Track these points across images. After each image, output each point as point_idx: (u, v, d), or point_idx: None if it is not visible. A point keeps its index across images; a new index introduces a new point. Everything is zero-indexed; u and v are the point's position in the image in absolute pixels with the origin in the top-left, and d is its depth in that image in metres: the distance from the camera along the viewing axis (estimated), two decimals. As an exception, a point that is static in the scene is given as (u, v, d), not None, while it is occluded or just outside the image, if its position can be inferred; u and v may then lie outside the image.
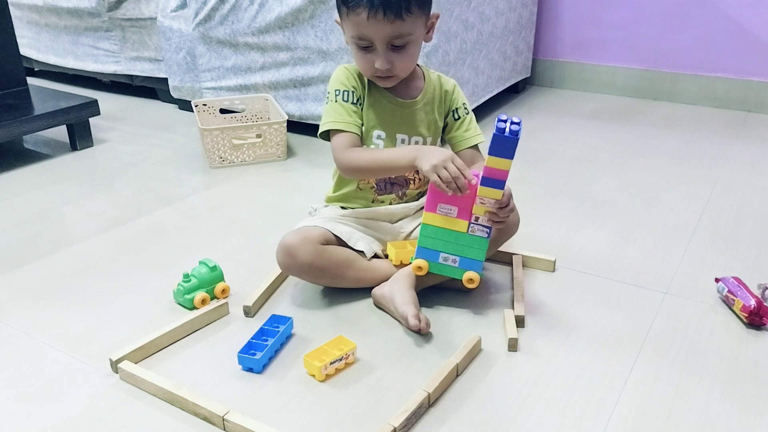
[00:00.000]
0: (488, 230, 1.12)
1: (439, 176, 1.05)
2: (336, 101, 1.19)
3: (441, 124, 1.27)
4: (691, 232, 1.48)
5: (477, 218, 1.11)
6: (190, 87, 2.31)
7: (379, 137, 1.22)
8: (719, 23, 2.36)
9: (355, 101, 1.20)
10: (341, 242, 1.21)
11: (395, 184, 1.27)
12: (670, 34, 2.45)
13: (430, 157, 1.08)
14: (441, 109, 1.26)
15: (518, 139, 1.01)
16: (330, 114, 1.19)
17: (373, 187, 1.27)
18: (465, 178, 1.06)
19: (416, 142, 1.24)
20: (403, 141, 1.23)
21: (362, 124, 1.21)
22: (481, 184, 1.07)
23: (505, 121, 1.02)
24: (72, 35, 2.65)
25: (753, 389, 0.99)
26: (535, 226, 1.49)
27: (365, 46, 1.12)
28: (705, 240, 1.45)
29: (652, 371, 1.03)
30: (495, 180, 1.06)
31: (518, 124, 1.01)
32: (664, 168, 1.87)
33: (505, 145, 1.02)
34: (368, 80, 1.21)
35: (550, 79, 2.75)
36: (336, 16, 1.17)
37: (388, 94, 1.22)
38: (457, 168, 1.06)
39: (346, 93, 1.19)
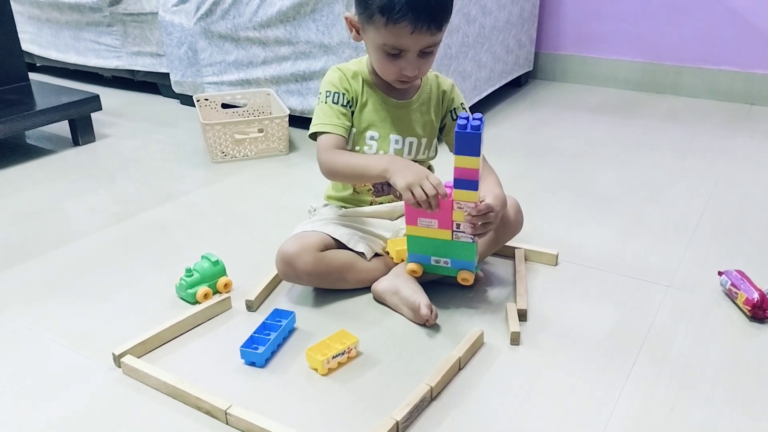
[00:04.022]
0: (473, 235, 1.11)
1: (413, 194, 1.04)
2: (326, 103, 1.19)
3: (437, 125, 1.26)
4: (694, 226, 1.48)
5: (458, 225, 1.10)
6: (191, 82, 2.31)
7: (372, 138, 1.21)
8: (722, 16, 2.35)
9: (345, 103, 1.19)
10: (341, 245, 1.20)
11: (392, 185, 1.26)
12: (673, 27, 2.44)
13: (404, 173, 1.06)
14: (438, 109, 1.25)
15: (480, 134, 1.00)
16: (318, 116, 1.19)
17: (371, 189, 1.27)
18: (439, 194, 1.04)
19: (410, 143, 1.23)
20: (397, 142, 1.22)
21: (352, 126, 1.20)
22: (454, 187, 1.05)
23: (466, 118, 1.01)
24: (73, 30, 2.65)
25: (756, 382, 0.99)
26: (537, 220, 1.49)
27: (395, 54, 1.10)
28: (708, 233, 1.45)
29: (655, 365, 1.03)
30: (467, 181, 1.04)
31: (479, 119, 1.01)
32: (667, 162, 1.86)
33: (468, 141, 1.01)
34: (363, 81, 1.20)
35: (553, 73, 2.74)
36: (345, 13, 1.15)
37: (382, 95, 1.21)
38: (433, 185, 1.04)
39: (336, 95, 1.19)
